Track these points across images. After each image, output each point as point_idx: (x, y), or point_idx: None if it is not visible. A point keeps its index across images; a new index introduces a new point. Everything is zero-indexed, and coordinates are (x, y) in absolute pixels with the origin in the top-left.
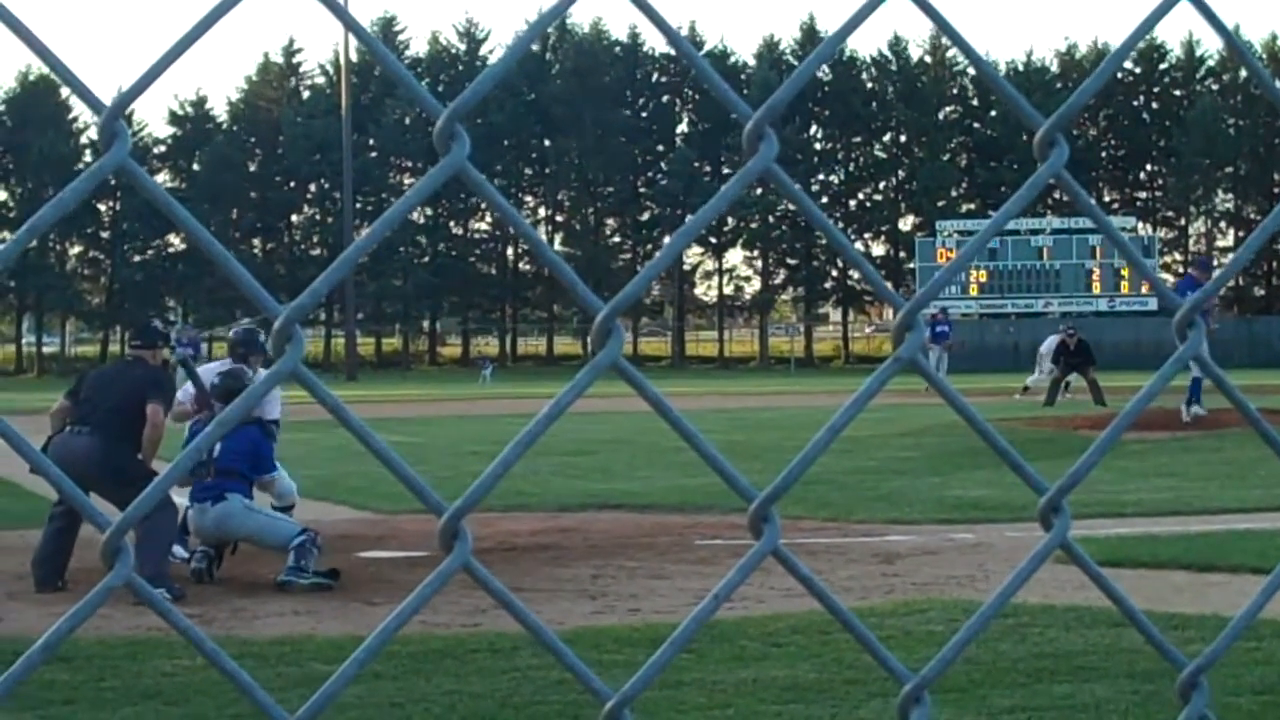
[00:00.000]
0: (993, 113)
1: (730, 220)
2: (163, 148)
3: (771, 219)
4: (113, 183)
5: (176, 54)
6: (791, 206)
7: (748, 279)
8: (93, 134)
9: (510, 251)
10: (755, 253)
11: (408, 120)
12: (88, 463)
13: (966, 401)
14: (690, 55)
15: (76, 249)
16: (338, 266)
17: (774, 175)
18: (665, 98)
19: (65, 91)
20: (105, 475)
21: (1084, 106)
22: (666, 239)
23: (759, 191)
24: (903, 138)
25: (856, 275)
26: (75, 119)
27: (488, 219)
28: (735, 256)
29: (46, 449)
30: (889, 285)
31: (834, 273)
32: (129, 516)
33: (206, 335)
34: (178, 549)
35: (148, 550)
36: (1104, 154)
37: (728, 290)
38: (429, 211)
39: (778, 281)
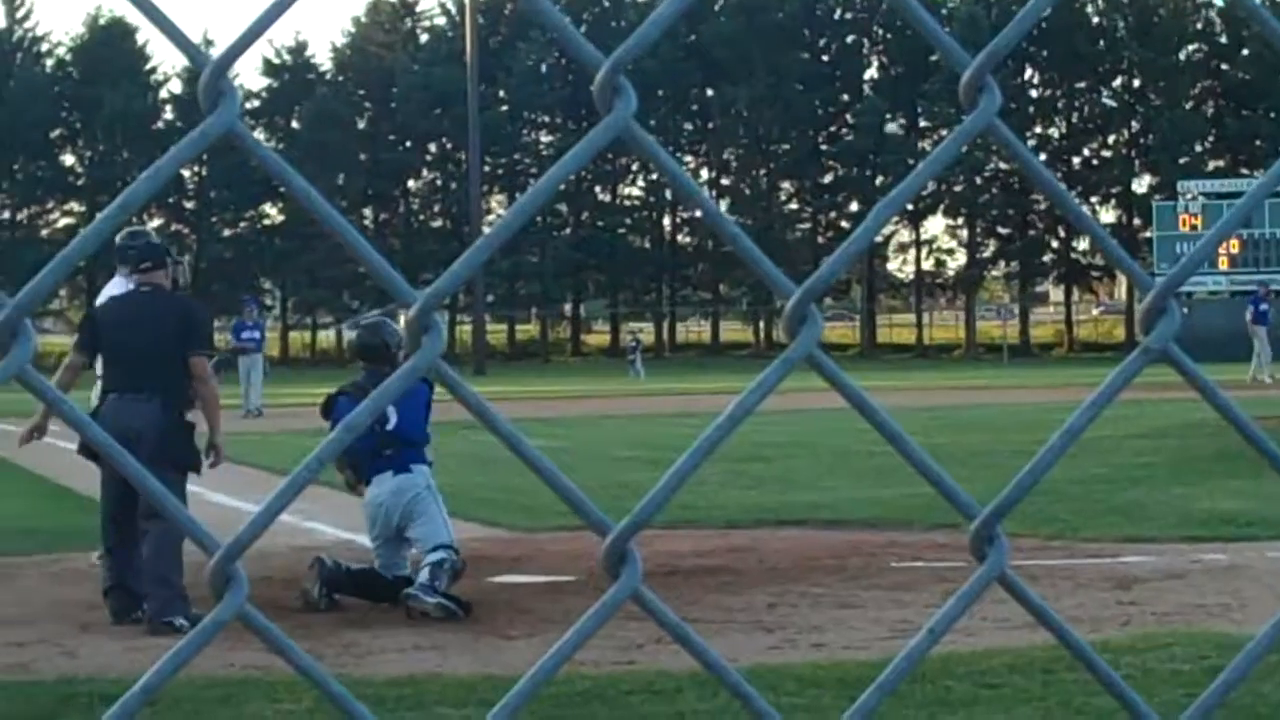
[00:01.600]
0: (1245, 51)
1: (930, 183)
2: (257, 102)
3: (979, 180)
4: None
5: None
6: (1004, 166)
7: (951, 252)
8: (174, 87)
9: (667, 221)
10: (960, 221)
11: (544, 67)
12: (145, 435)
13: (1227, 396)
14: None
15: (156, 222)
16: (481, 246)
17: (996, 132)
18: (851, 38)
19: (141, 37)
20: (157, 454)
21: None
22: (853, 205)
23: (964, 149)
24: (1136, 83)
25: (1082, 246)
26: (153, 70)
27: (640, 183)
28: (936, 225)
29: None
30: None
31: (1054, 244)
32: (241, 538)
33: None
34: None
35: (159, 562)
36: None
37: (927, 266)
38: (571, 175)
39: (987, 255)
